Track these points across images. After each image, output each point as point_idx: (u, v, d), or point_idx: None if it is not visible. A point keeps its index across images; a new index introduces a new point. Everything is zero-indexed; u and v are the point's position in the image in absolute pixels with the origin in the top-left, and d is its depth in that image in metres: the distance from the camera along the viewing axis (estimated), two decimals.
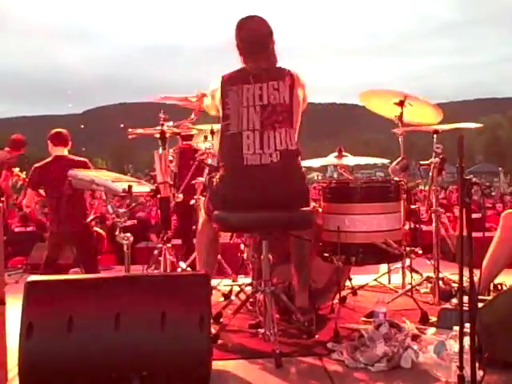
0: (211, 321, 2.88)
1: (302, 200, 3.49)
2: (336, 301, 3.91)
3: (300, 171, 3.55)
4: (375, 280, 4.85)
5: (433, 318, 3.66)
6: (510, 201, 15.38)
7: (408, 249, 4.11)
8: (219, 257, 4.50)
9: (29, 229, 9.43)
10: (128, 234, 3.83)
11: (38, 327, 2.61)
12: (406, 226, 4.16)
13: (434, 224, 4.39)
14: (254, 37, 3.62)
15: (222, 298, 4.45)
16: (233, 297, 4.19)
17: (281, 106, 3.49)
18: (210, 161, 4.57)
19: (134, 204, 4.89)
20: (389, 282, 4.90)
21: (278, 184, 3.41)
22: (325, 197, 3.84)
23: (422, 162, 4.39)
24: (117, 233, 3.85)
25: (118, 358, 2.62)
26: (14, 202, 9.09)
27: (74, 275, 4.91)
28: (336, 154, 4.90)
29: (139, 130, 4.52)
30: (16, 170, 7.19)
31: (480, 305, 2.77)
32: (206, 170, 4.57)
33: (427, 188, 4.46)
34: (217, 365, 2.94)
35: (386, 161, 5.73)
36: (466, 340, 2.39)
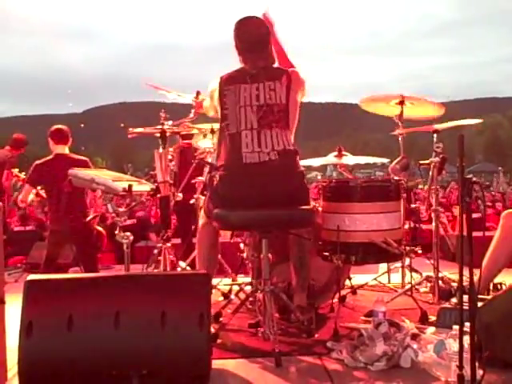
0: (211, 320, 2.88)
1: (302, 198, 3.50)
2: (336, 300, 3.91)
3: (298, 169, 3.56)
4: (375, 279, 4.85)
5: (432, 318, 3.66)
6: (510, 200, 15.34)
7: (408, 248, 4.12)
8: (219, 256, 4.51)
9: (28, 228, 9.44)
10: (128, 233, 3.83)
11: (38, 326, 2.60)
12: (406, 226, 4.16)
13: (433, 223, 4.39)
14: (253, 37, 3.64)
15: (222, 298, 4.44)
16: (232, 296, 4.19)
17: (277, 106, 3.51)
18: (210, 159, 4.57)
19: (133, 203, 4.89)
20: (388, 282, 4.90)
21: (277, 182, 3.42)
22: (325, 196, 3.84)
23: (422, 162, 4.39)
24: (116, 232, 3.86)
25: (117, 356, 2.62)
26: (14, 201, 9.09)
27: (73, 274, 4.90)
28: (336, 153, 4.90)
29: (139, 129, 4.52)
30: (15, 170, 7.19)
31: (480, 304, 2.77)
32: (206, 169, 4.56)
33: (426, 187, 4.47)
34: (216, 364, 2.93)
35: (385, 160, 5.73)
36: (466, 339, 2.39)
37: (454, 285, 4.22)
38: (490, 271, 3.74)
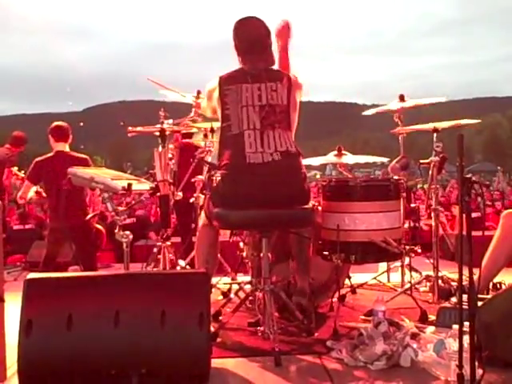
0: (210, 319, 2.87)
1: (303, 200, 3.49)
2: (335, 299, 3.90)
3: (301, 171, 3.54)
4: (374, 278, 4.85)
5: (432, 317, 3.66)
6: (509, 199, 15.34)
7: (407, 247, 4.12)
8: (218, 255, 4.50)
9: (28, 226, 9.43)
10: (127, 232, 3.83)
11: (38, 324, 2.60)
12: (406, 225, 4.16)
13: (433, 223, 4.39)
14: (252, 37, 3.63)
15: (221, 296, 4.44)
16: (232, 295, 4.18)
17: (279, 107, 3.50)
18: (209, 159, 4.57)
19: (133, 202, 4.89)
20: (388, 281, 4.91)
21: (279, 182, 3.41)
22: (324, 195, 3.84)
23: (421, 161, 4.39)
24: (116, 231, 3.85)
25: (117, 355, 2.62)
26: (14, 200, 9.09)
27: (73, 273, 4.90)
28: (336, 152, 4.90)
29: (139, 128, 4.52)
30: (14, 169, 7.19)
31: (479, 303, 2.77)
32: (206, 168, 4.56)
33: (425, 186, 4.47)
34: (216, 363, 2.94)
35: (385, 159, 5.73)
36: (466, 339, 2.39)
37: (454, 284, 4.22)
38: (489, 271, 3.74)
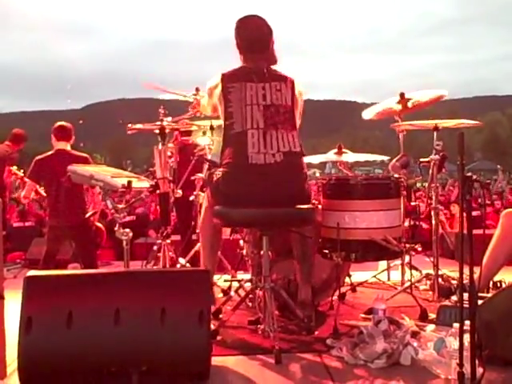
0: (211, 317, 2.87)
1: (304, 200, 3.48)
2: (335, 297, 3.90)
3: (303, 172, 3.53)
4: (374, 277, 4.85)
5: (432, 315, 3.66)
6: (507, 200, 15.34)
7: (407, 246, 4.12)
8: (218, 253, 4.50)
9: (27, 224, 9.43)
10: (127, 230, 3.83)
11: (37, 322, 2.60)
12: (406, 223, 4.16)
13: (433, 221, 4.39)
14: (254, 36, 3.63)
15: (222, 294, 4.44)
16: (232, 293, 4.19)
17: (283, 107, 3.49)
18: (209, 156, 4.56)
19: (133, 199, 4.89)
20: (388, 279, 4.90)
21: (280, 183, 3.40)
22: (325, 193, 3.83)
23: (422, 159, 4.39)
24: (116, 228, 3.85)
25: (117, 353, 2.62)
26: (14, 198, 9.09)
27: (73, 270, 4.90)
28: (336, 150, 4.89)
29: (138, 126, 4.52)
30: (14, 168, 7.19)
31: (480, 302, 2.77)
32: (206, 166, 4.55)
33: (425, 185, 4.47)
34: (216, 361, 2.93)
35: (385, 158, 5.73)
36: (466, 337, 2.39)
37: (454, 282, 4.22)
38: (489, 269, 3.73)
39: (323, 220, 3.78)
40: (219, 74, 3.60)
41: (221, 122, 3.61)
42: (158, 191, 4.28)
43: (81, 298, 2.71)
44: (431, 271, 4.31)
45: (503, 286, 4.13)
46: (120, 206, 3.90)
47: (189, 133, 5.66)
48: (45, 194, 5.75)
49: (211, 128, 4.74)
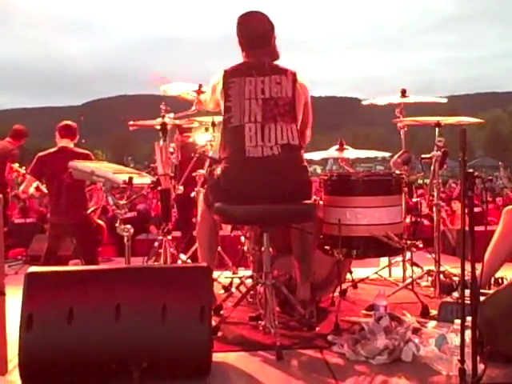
0: (212, 313, 2.87)
1: (304, 193, 3.48)
2: (336, 294, 3.90)
3: (302, 164, 3.53)
4: (376, 273, 4.85)
5: (433, 312, 3.66)
6: (508, 196, 15.33)
7: (409, 242, 4.11)
8: (219, 249, 4.50)
9: (29, 220, 9.44)
10: (128, 226, 3.82)
11: (38, 318, 2.60)
12: (407, 220, 4.15)
13: (435, 217, 4.38)
14: (256, 32, 3.62)
15: (223, 291, 4.44)
16: (233, 289, 4.18)
17: (283, 99, 3.48)
18: (210, 153, 4.56)
19: (134, 196, 4.88)
20: (389, 276, 4.90)
21: (279, 176, 3.40)
22: (326, 189, 3.83)
23: (423, 156, 4.38)
24: (117, 224, 3.85)
25: (118, 349, 2.61)
26: (15, 194, 9.10)
27: (74, 266, 4.90)
28: (337, 147, 4.89)
29: (140, 122, 4.51)
30: (15, 165, 7.19)
31: (481, 298, 2.77)
32: (207, 163, 4.55)
33: (426, 181, 4.46)
34: (217, 357, 2.93)
35: (386, 154, 5.73)
36: (468, 333, 2.38)
37: (455, 279, 4.21)
38: (491, 266, 3.74)
39: (324, 216, 3.78)
40: (222, 70, 3.61)
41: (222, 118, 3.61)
42: (159, 187, 4.27)
43: (82, 294, 2.71)
44: (432, 268, 4.31)
45: (505, 282, 4.13)
46: (121, 202, 3.90)
47: (189, 130, 5.65)
48: (46, 191, 5.75)
49: (213, 124, 4.73)
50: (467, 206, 2.39)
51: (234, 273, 4.81)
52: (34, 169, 5.66)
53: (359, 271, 4.78)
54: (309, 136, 3.81)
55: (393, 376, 2.75)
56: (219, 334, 3.36)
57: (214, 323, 3.13)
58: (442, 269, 4.28)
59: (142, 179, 4.23)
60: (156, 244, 4.43)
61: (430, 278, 4.45)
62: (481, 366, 2.38)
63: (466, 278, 2.44)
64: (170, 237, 4.37)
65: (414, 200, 4.49)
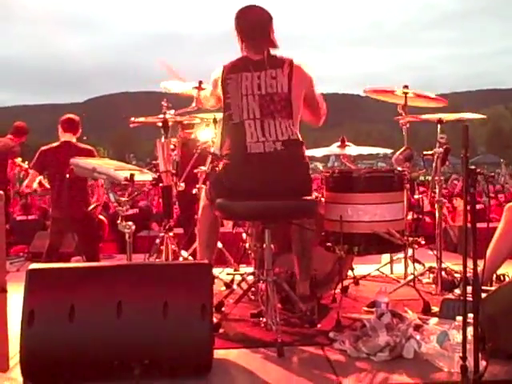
0: (213, 310, 2.87)
1: (305, 189, 3.48)
2: (338, 290, 3.89)
3: (304, 160, 3.53)
4: (377, 270, 4.84)
5: (435, 308, 3.66)
6: (510, 192, 15.31)
7: (410, 239, 4.10)
8: (221, 246, 4.50)
9: (31, 217, 9.44)
10: (130, 223, 3.82)
11: (40, 315, 2.61)
12: (409, 216, 4.15)
13: (437, 214, 4.38)
14: (254, 22, 3.62)
15: (224, 287, 4.44)
16: (235, 286, 4.18)
17: (278, 95, 3.47)
18: (212, 149, 4.55)
19: (135, 192, 4.88)
20: (391, 272, 4.89)
21: (281, 172, 3.39)
22: (328, 186, 3.82)
23: (425, 152, 4.37)
24: (119, 221, 3.84)
25: (119, 346, 2.62)
26: (17, 191, 9.11)
27: (75, 263, 4.90)
28: (339, 143, 4.88)
29: (141, 119, 4.50)
30: (18, 160, 7.19)
31: (483, 295, 2.76)
32: (209, 159, 4.54)
33: (428, 178, 4.46)
34: (218, 354, 2.93)
35: (388, 151, 5.71)
36: (469, 330, 2.38)
37: (457, 276, 4.21)
38: (493, 263, 3.73)
39: (326, 213, 3.77)
40: (221, 66, 3.62)
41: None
42: (160, 184, 4.27)
43: (83, 291, 2.71)
44: (434, 264, 4.30)
45: (507, 279, 4.13)
46: (123, 199, 3.90)
47: (191, 126, 5.65)
48: (48, 187, 5.75)
49: (214, 121, 4.72)
50: (469, 202, 2.39)
51: (235, 270, 4.80)
52: (36, 162, 5.67)
53: (361, 268, 4.78)
54: (324, 109, 3.85)
55: (394, 373, 2.75)
56: (220, 330, 3.36)
57: (215, 320, 3.13)
58: (443, 266, 4.28)
59: (144, 176, 4.23)
60: (157, 241, 4.42)
61: (431, 275, 4.44)
62: (482, 363, 2.37)
63: (468, 274, 2.44)
64: (171, 233, 4.36)
65: (416, 197, 4.48)
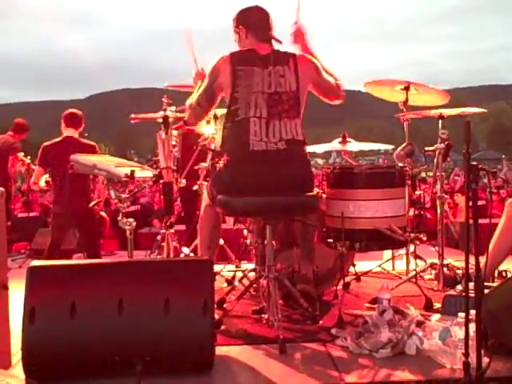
0: (214, 306, 2.87)
1: (307, 186, 3.47)
2: (340, 287, 3.89)
3: (305, 158, 3.52)
4: (379, 266, 4.84)
5: (437, 305, 3.65)
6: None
7: (412, 235, 4.09)
8: (222, 242, 4.49)
9: (32, 214, 9.45)
10: (131, 220, 3.82)
11: (41, 312, 2.60)
12: (411, 213, 4.14)
13: (438, 210, 4.37)
14: (259, 17, 3.63)
15: (226, 284, 4.44)
16: (236, 282, 4.18)
17: (287, 94, 3.45)
18: (213, 146, 4.54)
19: (136, 189, 4.88)
20: (393, 269, 4.89)
21: (283, 169, 3.38)
22: (329, 182, 3.81)
23: (426, 148, 4.36)
24: (119, 218, 3.84)
25: (120, 343, 2.61)
26: (18, 188, 9.12)
27: (76, 260, 4.90)
28: (340, 139, 4.87)
29: (142, 115, 4.50)
30: (21, 154, 7.18)
31: (485, 291, 2.75)
32: (210, 156, 4.54)
33: (430, 174, 4.45)
34: (220, 350, 2.94)
35: (389, 147, 5.71)
36: (472, 326, 2.37)
37: (459, 272, 4.20)
38: (494, 259, 3.72)
39: (327, 209, 3.76)
40: (227, 53, 3.55)
41: (225, 111, 3.57)
42: (161, 181, 4.26)
43: (84, 288, 2.71)
44: (436, 261, 4.29)
45: (508, 275, 4.12)
46: (123, 196, 3.89)
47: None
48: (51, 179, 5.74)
49: (215, 117, 4.71)
50: (471, 198, 2.38)
51: (236, 266, 4.80)
52: (41, 159, 5.66)
53: (362, 264, 4.77)
54: (338, 84, 3.76)
55: (396, 369, 2.74)
56: (222, 327, 3.36)
57: (216, 317, 3.12)
58: (445, 262, 4.27)
59: (144, 172, 4.22)
60: (159, 237, 4.42)
61: (433, 271, 4.43)
62: (485, 359, 2.37)
63: (470, 270, 2.43)
64: (172, 230, 4.36)
65: (418, 193, 4.47)
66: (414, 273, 4.18)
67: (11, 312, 2.97)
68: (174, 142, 4.43)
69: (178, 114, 4.43)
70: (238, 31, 3.66)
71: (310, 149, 3.89)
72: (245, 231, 4.49)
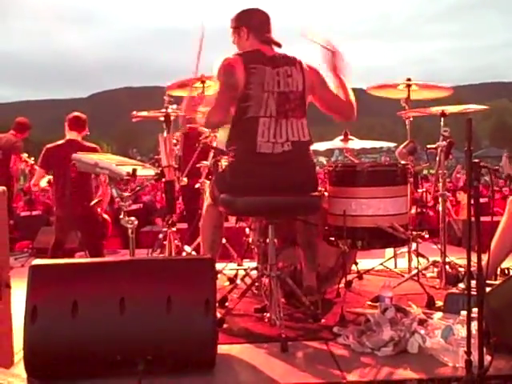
0: (216, 305, 2.86)
1: (310, 188, 3.47)
2: (342, 285, 3.89)
3: (311, 162, 3.54)
4: (381, 264, 4.83)
5: (439, 303, 3.65)
6: None
7: (414, 233, 4.09)
8: (224, 241, 4.49)
9: (35, 213, 9.46)
10: (132, 218, 3.81)
11: (43, 311, 2.60)
12: (413, 210, 4.13)
13: (440, 208, 4.36)
14: (261, 18, 3.62)
15: (228, 282, 4.44)
16: (238, 281, 4.18)
17: (294, 94, 3.46)
18: (215, 144, 4.54)
19: (137, 188, 4.88)
20: (395, 267, 4.88)
21: (288, 173, 3.39)
22: (331, 180, 3.81)
23: (429, 146, 4.35)
24: (121, 216, 3.84)
25: (122, 342, 2.61)
26: (21, 187, 9.12)
27: (78, 259, 4.91)
28: (342, 137, 4.87)
29: (143, 113, 4.49)
30: (24, 155, 7.19)
31: (487, 289, 2.75)
32: (212, 154, 4.53)
33: (432, 172, 4.44)
34: (222, 349, 2.93)
35: (391, 144, 5.70)
36: (474, 325, 2.37)
37: (461, 270, 4.19)
38: (496, 256, 3.71)
39: (329, 207, 3.76)
40: (235, 53, 3.55)
41: None
42: (163, 179, 4.26)
43: (86, 286, 2.71)
44: (438, 258, 4.29)
45: (511, 273, 4.11)
46: (125, 194, 3.89)
47: (194, 120, 5.63)
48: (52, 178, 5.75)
49: None
50: (473, 196, 2.37)
51: (238, 264, 4.81)
52: (42, 160, 5.67)
53: (364, 262, 4.77)
54: (349, 101, 3.81)
55: (398, 368, 2.74)
56: (224, 325, 3.36)
57: (218, 315, 3.12)
58: (447, 260, 4.27)
59: (146, 171, 4.22)
60: (161, 236, 4.42)
61: (435, 269, 4.44)
62: (487, 358, 2.36)
63: (472, 268, 2.43)
64: (174, 229, 4.36)
65: (420, 191, 4.47)
66: (416, 271, 4.17)
67: (13, 311, 2.97)
68: (174, 141, 4.43)
69: (180, 113, 4.42)
70: (238, 31, 3.63)
71: (312, 147, 3.89)
72: (247, 229, 4.49)
